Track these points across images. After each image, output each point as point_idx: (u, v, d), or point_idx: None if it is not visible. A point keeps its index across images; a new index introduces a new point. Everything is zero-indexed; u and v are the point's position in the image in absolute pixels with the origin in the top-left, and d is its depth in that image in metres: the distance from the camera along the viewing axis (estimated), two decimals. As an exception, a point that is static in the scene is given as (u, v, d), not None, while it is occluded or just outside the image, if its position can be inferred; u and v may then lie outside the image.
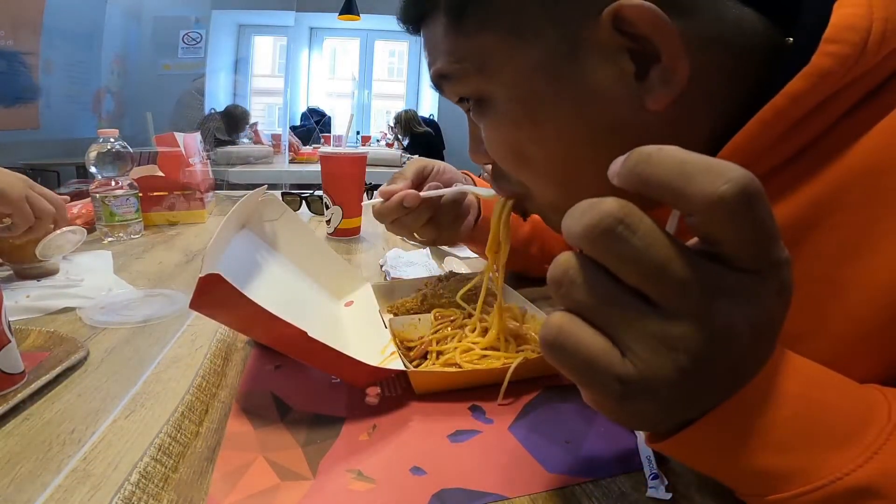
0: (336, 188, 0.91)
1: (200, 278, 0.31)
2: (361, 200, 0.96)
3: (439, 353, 0.43)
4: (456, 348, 0.43)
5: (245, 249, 0.49)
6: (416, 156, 3.19)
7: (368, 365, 0.38)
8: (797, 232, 0.28)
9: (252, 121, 2.95)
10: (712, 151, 0.29)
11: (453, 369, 0.41)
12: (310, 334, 0.35)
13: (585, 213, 0.18)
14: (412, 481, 0.31)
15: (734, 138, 0.28)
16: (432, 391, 0.41)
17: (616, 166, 0.19)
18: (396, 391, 0.41)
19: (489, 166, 0.37)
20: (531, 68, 0.29)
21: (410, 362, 0.43)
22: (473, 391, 0.40)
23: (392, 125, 4.03)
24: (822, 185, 0.27)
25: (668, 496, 0.29)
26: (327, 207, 0.92)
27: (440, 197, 0.54)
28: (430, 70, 0.34)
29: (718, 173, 0.17)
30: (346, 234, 0.94)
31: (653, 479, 0.30)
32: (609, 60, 0.27)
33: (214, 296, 0.32)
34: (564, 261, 0.19)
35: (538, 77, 0.29)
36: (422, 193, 0.53)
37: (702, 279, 0.18)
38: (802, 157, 0.28)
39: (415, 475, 0.32)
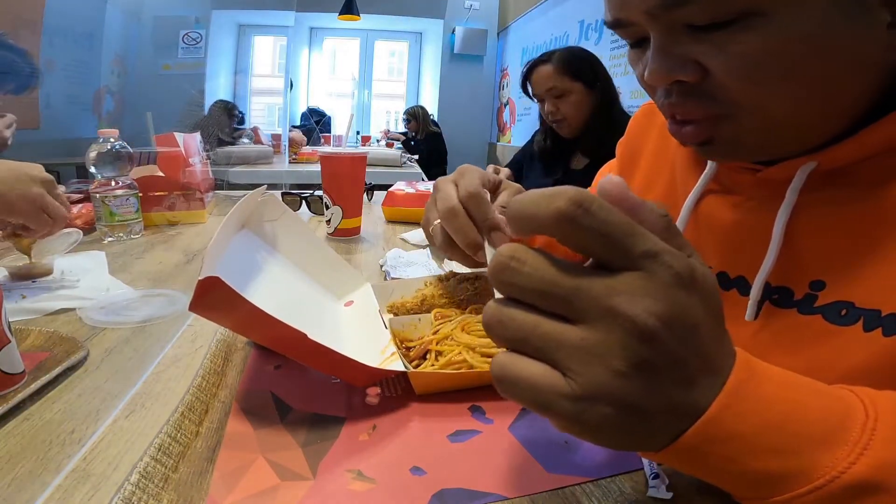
0: (336, 188, 0.91)
1: (199, 281, 0.31)
2: (361, 200, 0.96)
3: (439, 354, 0.43)
4: (456, 346, 0.43)
5: (245, 250, 0.49)
6: (417, 156, 3.20)
7: (368, 366, 0.38)
8: None
9: (241, 115, 2.93)
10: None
11: (453, 370, 0.41)
12: (309, 336, 0.35)
13: (491, 260, 0.21)
14: (412, 481, 0.31)
15: None
16: (433, 392, 0.41)
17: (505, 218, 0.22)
18: (396, 391, 0.41)
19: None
20: None
21: (410, 362, 0.43)
22: (473, 391, 0.40)
23: (406, 121, 4.00)
24: None
25: (669, 496, 0.29)
26: (327, 207, 0.92)
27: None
28: None
29: (557, 196, 0.20)
30: (346, 234, 0.94)
31: (653, 478, 0.30)
32: (874, 7, 0.28)
33: (213, 298, 0.32)
34: (489, 308, 0.22)
35: (833, 3, 0.28)
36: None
37: (592, 285, 0.20)
38: None
39: (415, 475, 0.32)
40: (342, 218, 0.92)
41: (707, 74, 0.31)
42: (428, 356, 0.43)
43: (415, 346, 0.44)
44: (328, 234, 0.95)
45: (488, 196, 0.46)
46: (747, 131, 0.32)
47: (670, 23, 0.31)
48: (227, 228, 0.43)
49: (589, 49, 1.32)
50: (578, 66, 1.21)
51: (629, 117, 1.21)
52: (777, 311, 0.36)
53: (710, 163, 0.41)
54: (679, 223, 0.42)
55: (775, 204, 0.35)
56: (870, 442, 0.21)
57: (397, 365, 0.40)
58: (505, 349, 0.22)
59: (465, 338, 0.43)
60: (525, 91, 1.30)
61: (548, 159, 1.40)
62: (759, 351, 0.35)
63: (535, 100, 1.28)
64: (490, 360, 0.40)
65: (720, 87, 0.31)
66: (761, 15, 0.28)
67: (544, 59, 1.23)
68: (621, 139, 0.59)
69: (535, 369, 0.21)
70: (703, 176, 0.41)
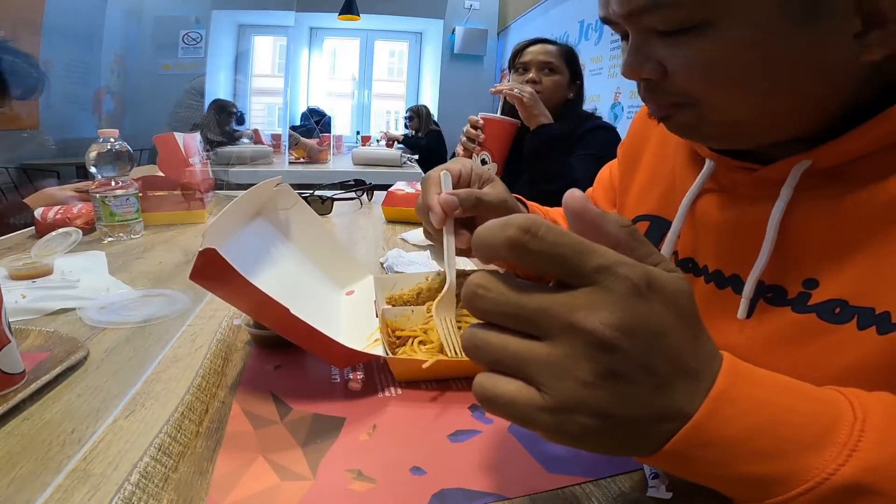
0: (497, 147, 1.03)
1: (199, 252, 0.34)
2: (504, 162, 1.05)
3: (422, 342, 0.44)
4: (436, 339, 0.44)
5: (260, 237, 0.52)
6: (417, 156, 3.20)
7: (348, 348, 0.39)
8: None
9: (240, 113, 2.92)
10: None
11: (437, 357, 0.41)
12: (294, 313, 0.37)
13: (462, 289, 0.23)
14: (412, 481, 0.31)
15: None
16: (412, 379, 0.42)
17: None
18: (397, 391, 0.41)
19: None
20: (775, 4, 0.29)
21: (395, 351, 0.44)
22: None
23: (408, 118, 4.02)
24: None
25: (669, 495, 0.29)
26: (484, 163, 1.02)
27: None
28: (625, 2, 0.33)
29: (509, 225, 0.21)
30: None
31: (653, 478, 0.30)
32: (841, 15, 0.29)
33: (210, 269, 0.35)
34: (466, 333, 0.23)
35: (778, 12, 0.29)
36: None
37: (554, 304, 0.21)
38: None
39: (415, 475, 0.32)
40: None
41: (666, 74, 0.34)
42: (408, 343, 0.45)
43: (404, 336, 0.46)
44: None
45: (444, 178, 0.47)
46: (704, 120, 0.35)
47: (642, 26, 0.34)
48: (235, 209, 0.45)
49: (589, 48, 1.34)
50: (573, 59, 1.33)
51: (592, 130, 1.26)
52: (771, 309, 0.36)
53: (707, 162, 0.41)
54: (676, 222, 0.43)
55: (770, 203, 0.35)
56: (858, 443, 0.21)
57: (379, 350, 0.42)
58: (486, 370, 0.23)
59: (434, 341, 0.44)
60: (511, 62, 1.39)
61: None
62: (753, 349, 0.35)
63: (514, 71, 1.36)
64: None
65: (677, 85, 0.34)
66: (711, 23, 0.30)
67: (549, 41, 1.35)
68: (623, 139, 0.59)
69: (511, 387, 0.22)
70: (700, 175, 0.42)
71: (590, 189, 0.68)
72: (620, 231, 0.22)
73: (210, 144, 2.42)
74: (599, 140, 1.22)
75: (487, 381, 0.22)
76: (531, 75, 1.29)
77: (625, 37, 0.38)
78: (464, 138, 1.09)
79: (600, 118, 1.34)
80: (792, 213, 0.35)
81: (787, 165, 0.34)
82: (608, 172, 0.65)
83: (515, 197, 0.58)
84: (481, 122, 1.05)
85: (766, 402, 0.22)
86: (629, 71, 0.36)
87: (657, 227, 0.49)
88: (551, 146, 1.14)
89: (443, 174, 0.48)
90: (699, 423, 0.21)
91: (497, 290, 0.22)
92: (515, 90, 1.11)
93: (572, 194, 0.22)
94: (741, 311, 0.37)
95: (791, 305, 0.34)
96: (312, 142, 2.89)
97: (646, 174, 0.52)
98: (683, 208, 0.42)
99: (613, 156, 1.28)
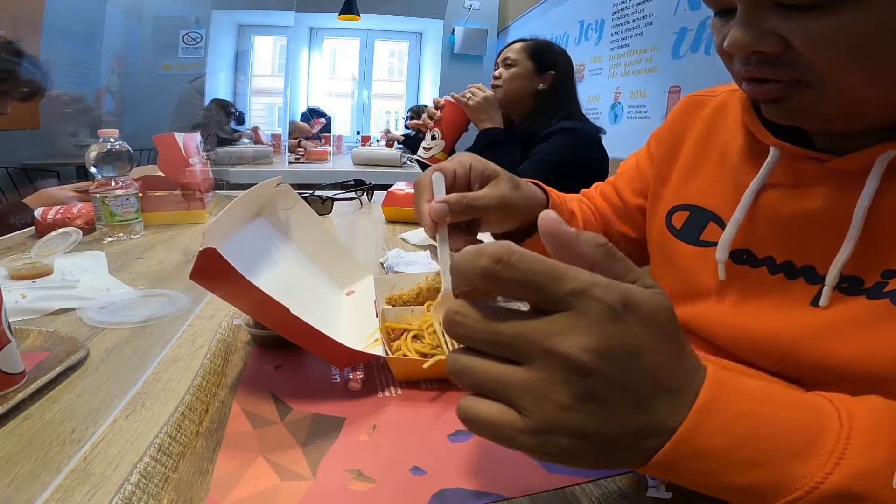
0: (450, 128, 1.14)
1: (199, 251, 0.34)
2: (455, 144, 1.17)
3: (416, 337, 0.44)
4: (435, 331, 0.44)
5: (259, 236, 0.52)
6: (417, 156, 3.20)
7: (348, 347, 0.40)
8: None
9: (239, 112, 2.94)
10: None
11: (437, 357, 0.41)
12: (295, 313, 0.37)
13: (443, 316, 0.23)
14: (412, 481, 0.31)
15: None
16: (412, 378, 0.42)
17: None
18: (397, 391, 0.41)
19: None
20: None
21: (394, 351, 0.44)
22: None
23: (410, 118, 4.03)
24: None
25: (669, 495, 0.29)
26: (434, 139, 1.14)
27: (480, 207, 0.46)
28: None
29: (481, 254, 0.22)
30: (433, 161, 1.12)
31: (653, 478, 0.30)
32: None
33: (210, 269, 0.35)
34: (449, 358, 0.23)
35: None
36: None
37: (530, 330, 0.21)
38: None
39: (415, 475, 0.32)
40: (441, 151, 1.14)
41: (789, 47, 0.32)
42: (402, 336, 0.45)
43: (398, 329, 0.46)
44: (421, 157, 1.15)
45: (435, 181, 0.45)
46: (824, 101, 0.33)
47: None
48: (236, 209, 0.45)
49: (589, 48, 1.34)
50: (538, 49, 1.36)
51: (553, 132, 1.26)
52: (844, 298, 0.36)
53: (771, 151, 0.40)
54: (739, 212, 0.42)
55: (847, 194, 0.35)
56: (845, 451, 0.22)
57: (379, 350, 0.42)
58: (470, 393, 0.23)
59: (430, 340, 0.44)
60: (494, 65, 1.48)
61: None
62: (823, 337, 0.36)
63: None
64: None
65: (804, 60, 0.32)
66: (854, 0, 0.29)
67: (523, 40, 1.40)
68: (659, 129, 0.58)
69: (492, 410, 0.22)
70: (763, 167, 0.41)
71: (610, 178, 0.68)
72: (596, 250, 0.22)
73: (219, 143, 2.42)
74: (557, 143, 1.23)
75: (470, 404, 0.23)
76: (495, 74, 1.40)
77: (721, 12, 0.37)
78: (424, 116, 1.19)
79: (573, 122, 1.29)
80: (876, 203, 0.34)
81: (868, 156, 0.34)
82: (634, 161, 0.64)
83: (534, 183, 0.56)
84: (442, 102, 1.16)
85: (750, 413, 0.23)
86: (741, 47, 0.34)
87: (697, 217, 0.48)
88: (486, 148, 1.18)
89: (434, 176, 0.45)
90: (683, 436, 0.22)
91: (473, 317, 0.22)
92: (467, 94, 1.19)
93: (546, 215, 0.23)
94: (823, 300, 0.37)
95: (865, 294, 0.35)
96: (305, 125, 2.91)
97: (686, 164, 0.52)
98: (748, 198, 0.42)
99: (568, 158, 1.33)
